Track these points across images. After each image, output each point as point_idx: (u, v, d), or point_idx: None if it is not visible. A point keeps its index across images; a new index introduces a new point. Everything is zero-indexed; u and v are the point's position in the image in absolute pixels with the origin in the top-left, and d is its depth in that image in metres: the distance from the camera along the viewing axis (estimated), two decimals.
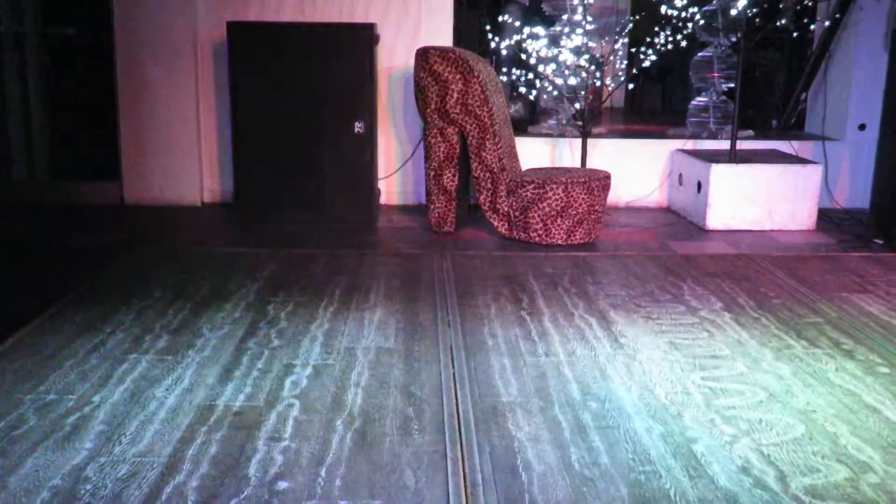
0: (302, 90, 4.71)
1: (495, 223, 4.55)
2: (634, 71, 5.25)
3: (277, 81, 4.71)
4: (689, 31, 5.16)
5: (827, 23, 5.44)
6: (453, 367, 2.73)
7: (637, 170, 5.36)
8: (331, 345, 2.90)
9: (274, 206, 4.78)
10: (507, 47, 5.25)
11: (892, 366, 2.80)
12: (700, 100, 5.66)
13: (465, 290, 3.57)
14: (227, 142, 5.00)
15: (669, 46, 5.09)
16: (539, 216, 4.40)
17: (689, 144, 5.40)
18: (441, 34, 5.13)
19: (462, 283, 3.66)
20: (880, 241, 4.54)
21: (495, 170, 4.50)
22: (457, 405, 2.45)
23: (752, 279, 3.80)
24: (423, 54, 4.52)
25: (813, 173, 4.86)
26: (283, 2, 5.09)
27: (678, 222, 5.05)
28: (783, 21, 5.19)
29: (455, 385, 2.59)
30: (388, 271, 3.85)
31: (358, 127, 4.73)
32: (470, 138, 4.52)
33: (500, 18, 5.41)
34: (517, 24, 5.25)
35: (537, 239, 4.42)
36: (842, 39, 5.57)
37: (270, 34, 4.74)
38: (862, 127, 5.41)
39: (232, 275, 3.70)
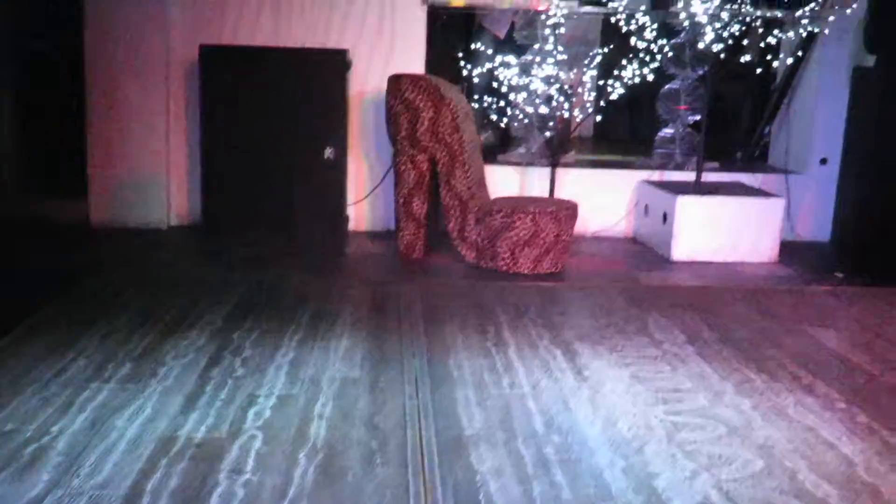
0: (273, 114, 4.72)
1: (463, 251, 4.58)
2: (602, 102, 5.32)
3: (249, 105, 4.72)
4: (658, 63, 5.24)
5: (790, 59, 5.56)
6: (418, 398, 2.74)
7: (604, 200, 5.42)
8: (296, 374, 2.89)
9: (242, 231, 4.76)
10: (478, 75, 5.30)
11: (850, 401, 2.85)
12: (667, 131, 5.75)
13: (432, 318, 3.58)
14: (197, 164, 4.98)
15: (637, 79, 5.17)
16: (507, 245, 4.43)
17: (656, 175, 5.47)
18: (413, 61, 5.17)
19: (429, 312, 3.67)
20: (840, 275, 4.63)
21: (464, 198, 4.53)
22: (420, 437, 2.45)
23: (716, 311, 3.85)
24: (395, 81, 4.55)
25: (776, 206, 4.95)
26: (257, 26, 5.10)
27: (644, 253, 5.10)
28: (748, 56, 5.28)
29: (419, 417, 2.60)
30: (355, 298, 3.85)
31: (328, 152, 4.74)
32: (440, 166, 4.55)
33: (472, 46, 5.46)
34: (489, 52, 5.31)
35: (504, 267, 4.45)
36: (804, 75, 5.69)
37: (243, 57, 4.75)
38: (823, 161, 5.52)
39: (198, 300, 3.67)
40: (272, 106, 4.70)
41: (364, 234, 5.26)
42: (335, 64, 4.78)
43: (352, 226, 5.23)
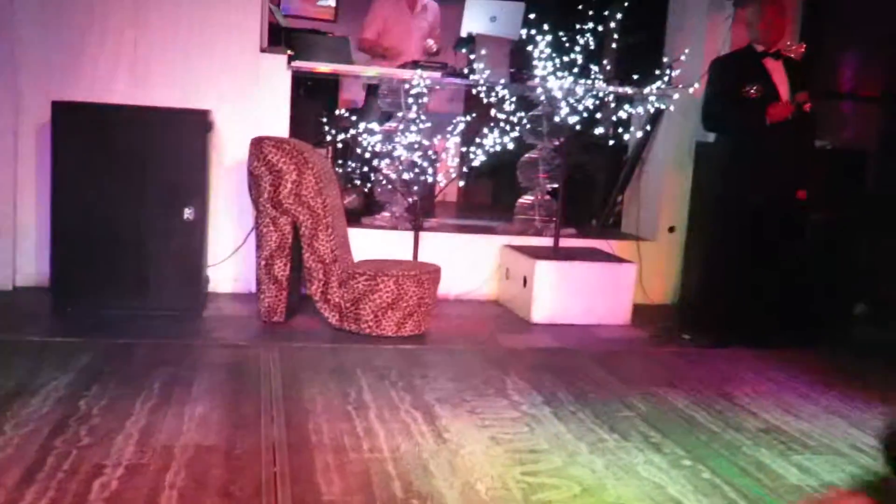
0: (131, 173, 4.58)
1: (326, 314, 4.55)
2: (465, 169, 5.47)
3: (105, 163, 4.57)
4: (517, 133, 5.44)
5: (639, 133, 5.90)
6: (275, 464, 2.68)
7: (467, 263, 5.52)
8: (146, 443, 2.78)
9: (95, 292, 4.56)
10: (342, 140, 5.35)
11: (695, 459, 2.99)
12: (527, 198, 5.95)
13: (291, 383, 3.52)
14: (47, 222, 4.75)
15: (498, 147, 5.34)
16: (370, 308, 4.44)
17: (517, 240, 5.63)
18: (277, 124, 5.16)
19: (289, 376, 3.61)
20: (687, 337, 4.87)
21: (328, 261, 4.52)
22: None
23: (572, 373, 3.97)
24: (258, 144, 4.53)
25: (628, 271, 5.19)
26: (114, 82, 4.98)
27: (505, 315, 5.22)
28: (602, 128, 5.57)
29: (276, 484, 2.54)
30: (212, 363, 3.74)
31: (188, 213, 4.64)
32: (303, 229, 4.53)
33: (336, 112, 5.52)
34: (353, 118, 5.37)
35: (368, 330, 4.45)
36: (653, 148, 6.05)
37: (99, 115, 4.62)
38: (671, 229, 5.84)
39: (42, 366, 3.48)
40: (129, 165, 4.57)
41: (224, 296, 5.14)
42: (196, 124, 4.71)
43: (212, 287, 5.11)
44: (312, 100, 6.25)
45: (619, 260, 5.36)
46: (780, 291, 4.83)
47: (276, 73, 5.21)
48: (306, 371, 3.71)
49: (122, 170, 4.57)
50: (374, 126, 5.36)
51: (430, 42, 6.41)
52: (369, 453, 2.83)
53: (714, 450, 3.10)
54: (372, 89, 6.18)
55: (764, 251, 4.70)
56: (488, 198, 7.89)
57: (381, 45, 6.31)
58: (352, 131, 5.24)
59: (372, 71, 5.85)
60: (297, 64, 5.30)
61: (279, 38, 5.83)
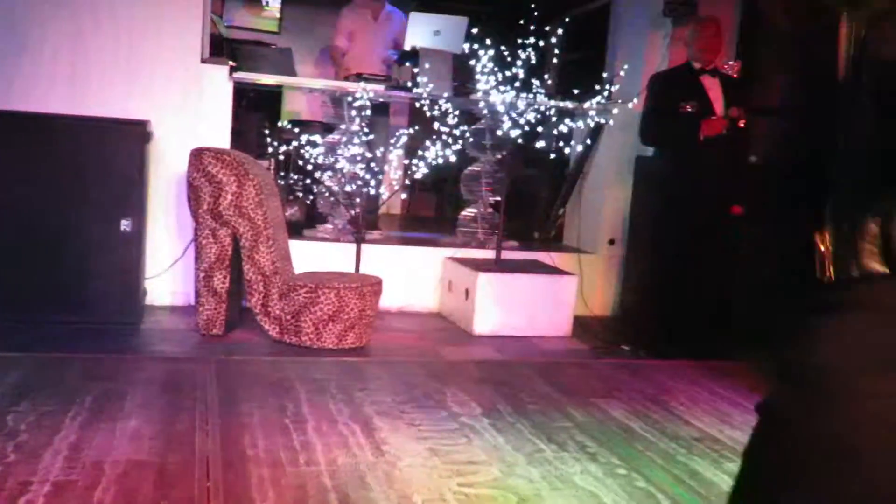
0: (67, 184, 4.50)
1: (266, 326, 4.51)
2: (408, 181, 5.48)
3: (40, 174, 4.48)
4: (460, 146, 5.47)
5: (580, 147, 5.98)
6: (209, 479, 2.64)
7: (410, 275, 5.53)
8: (76, 458, 2.71)
9: (28, 305, 4.46)
10: (284, 152, 5.32)
11: (630, 468, 3.03)
12: (469, 211, 5.98)
13: (229, 396, 3.48)
14: None
15: (441, 160, 5.37)
16: (311, 320, 4.41)
17: (460, 252, 5.65)
18: (218, 135, 5.11)
19: (226, 390, 3.57)
20: (626, 348, 4.94)
21: (268, 273, 4.49)
22: None
23: (512, 384, 3.99)
24: (198, 155, 4.48)
25: (569, 283, 5.24)
26: (51, 92, 4.89)
27: (448, 327, 5.23)
28: (543, 143, 5.63)
29: (209, 499, 2.50)
30: (148, 377, 3.68)
31: (125, 224, 4.57)
32: (243, 240, 4.49)
33: (279, 123, 5.49)
34: (296, 130, 5.35)
35: (308, 343, 4.42)
36: (594, 162, 6.14)
37: (34, 124, 4.53)
38: (611, 242, 5.93)
39: None
40: (65, 176, 4.49)
41: (163, 308, 5.06)
42: (135, 135, 4.65)
43: (150, 300, 5.03)
44: (255, 111, 6.21)
45: (561, 272, 5.41)
46: (716, 304, 4.93)
47: (218, 84, 5.17)
48: (244, 384, 3.67)
49: (58, 180, 4.49)
50: (317, 138, 5.34)
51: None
52: (306, 467, 2.81)
53: (649, 459, 3.14)
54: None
55: (701, 264, 4.79)
56: (432, 210, 7.92)
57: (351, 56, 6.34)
58: (294, 143, 5.22)
59: (315, 83, 5.83)
60: (238, 75, 5.26)
61: (221, 48, 5.79)
